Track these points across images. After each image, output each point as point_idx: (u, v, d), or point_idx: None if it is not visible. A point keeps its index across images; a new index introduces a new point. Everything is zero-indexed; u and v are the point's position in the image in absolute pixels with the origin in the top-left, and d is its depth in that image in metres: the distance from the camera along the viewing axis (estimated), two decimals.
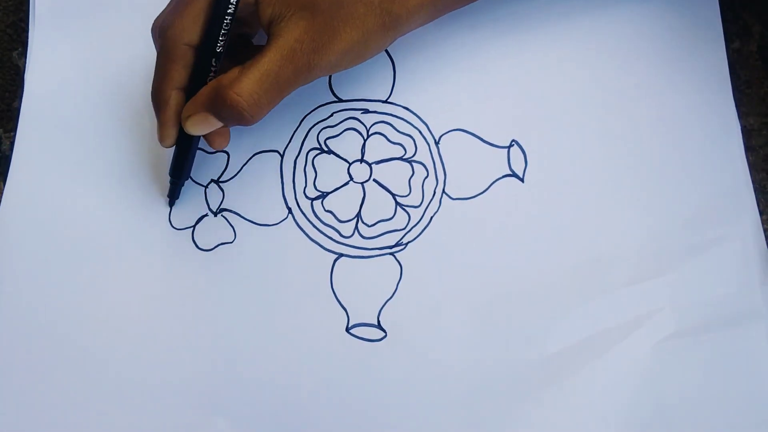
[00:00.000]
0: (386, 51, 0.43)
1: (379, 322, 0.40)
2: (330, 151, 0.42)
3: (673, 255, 0.40)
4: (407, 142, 0.42)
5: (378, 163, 0.42)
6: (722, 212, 0.41)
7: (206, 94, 0.37)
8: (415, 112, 0.43)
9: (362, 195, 0.42)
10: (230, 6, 0.36)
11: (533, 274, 0.40)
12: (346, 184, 0.42)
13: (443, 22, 0.42)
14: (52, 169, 0.42)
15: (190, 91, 0.38)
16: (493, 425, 0.38)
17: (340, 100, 0.43)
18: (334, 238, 0.41)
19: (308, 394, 0.39)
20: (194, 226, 0.42)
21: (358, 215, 0.42)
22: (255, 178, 0.42)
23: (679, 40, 0.43)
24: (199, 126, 0.38)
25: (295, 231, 0.41)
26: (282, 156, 0.42)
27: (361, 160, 0.42)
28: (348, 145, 0.42)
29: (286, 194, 0.42)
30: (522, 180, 0.42)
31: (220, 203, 0.42)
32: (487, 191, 0.42)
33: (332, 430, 0.39)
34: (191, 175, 0.41)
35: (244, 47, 0.41)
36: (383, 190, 0.42)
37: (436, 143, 0.42)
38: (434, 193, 0.42)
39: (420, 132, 0.42)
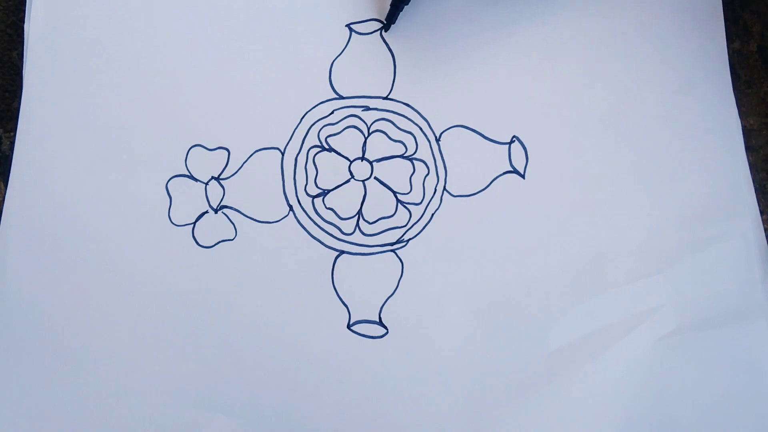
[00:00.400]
0: (387, 47, 0.43)
1: (380, 318, 0.40)
2: (331, 149, 0.42)
3: (674, 252, 0.40)
4: (408, 140, 0.42)
5: (379, 161, 0.42)
6: (723, 209, 0.41)
7: None
8: (415, 108, 0.43)
9: (363, 192, 0.42)
10: None
11: (534, 271, 0.40)
12: (347, 181, 0.42)
13: (443, 18, 0.42)
14: (53, 169, 0.42)
15: None
16: (495, 421, 0.38)
17: (341, 98, 0.43)
18: (335, 235, 0.41)
19: (309, 391, 0.39)
20: (194, 223, 0.42)
21: (359, 212, 0.42)
22: (256, 176, 0.42)
23: (680, 38, 0.43)
24: None
25: (296, 228, 0.41)
26: (283, 153, 0.42)
27: (362, 158, 0.42)
28: (349, 143, 0.42)
29: (287, 191, 0.42)
30: (523, 176, 0.42)
31: (220, 200, 0.42)
32: (488, 188, 0.42)
33: (333, 427, 0.39)
34: (191, 172, 0.41)
35: None
36: (384, 188, 0.42)
37: (437, 140, 0.42)
38: (435, 190, 0.42)
39: (421, 129, 0.42)
